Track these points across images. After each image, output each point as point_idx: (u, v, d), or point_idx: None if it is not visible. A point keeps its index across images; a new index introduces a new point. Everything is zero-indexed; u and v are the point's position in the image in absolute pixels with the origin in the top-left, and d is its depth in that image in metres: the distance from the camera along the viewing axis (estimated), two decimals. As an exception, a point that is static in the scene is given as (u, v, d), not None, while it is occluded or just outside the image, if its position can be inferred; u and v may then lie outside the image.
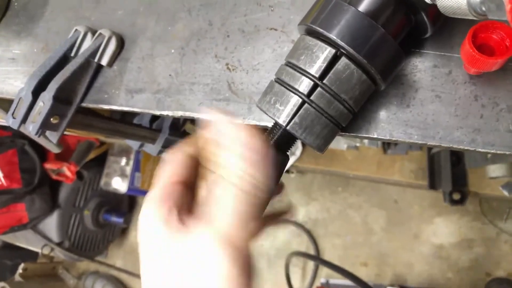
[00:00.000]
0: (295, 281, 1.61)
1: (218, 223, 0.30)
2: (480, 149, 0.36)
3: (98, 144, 1.70)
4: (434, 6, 0.33)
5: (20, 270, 1.73)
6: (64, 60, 0.55)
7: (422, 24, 0.38)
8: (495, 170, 1.11)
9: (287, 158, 0.41)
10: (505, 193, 1.16)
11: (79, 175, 1.69)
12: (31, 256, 1.90)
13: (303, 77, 0.36)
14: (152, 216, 0.32)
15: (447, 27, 0.40)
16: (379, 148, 1.30)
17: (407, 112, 0.40)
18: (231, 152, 0.31)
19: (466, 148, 0.37)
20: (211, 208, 0.31)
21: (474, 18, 0.32)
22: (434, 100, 0.39)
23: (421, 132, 0.39)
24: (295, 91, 0.36)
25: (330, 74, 0.35)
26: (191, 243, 0.30)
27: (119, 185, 1.77)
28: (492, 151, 0.36)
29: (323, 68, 0.35)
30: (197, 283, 0.29)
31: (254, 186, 0.30)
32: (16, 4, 0.65)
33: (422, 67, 0.40)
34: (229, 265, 0.29)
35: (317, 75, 0.35)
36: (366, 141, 1.30)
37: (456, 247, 1.53)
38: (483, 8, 0.29)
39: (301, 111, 0.36)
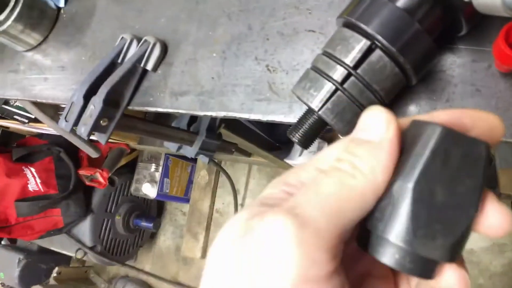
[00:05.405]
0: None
1: (295, 207, 0.23)
2: (522, 141, 0.37)
3: (129, 150, 1.75)
4: (470, 5, 0.34)
5: (54, 274, 1.79)
6: (112, 66, 0.58)
7: (457, 22, 0.39)
8: (529, 171, 1.09)
9: None
10: (540, 194, 1.14)
11: (110, 181, 1.74)
12: (63, 260, 1.96)
13: (338, 66, 0.38)
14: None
15: (485, 22, 0.41)
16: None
17: (446, 106, 0.41)
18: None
19: (508, 140, 0.38)
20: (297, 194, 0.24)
21: (509, 16, 0.33)
22: (474, 94, 0.40)
23: (461, 125, 0.40)
24: (329, 78, 0.38)
25: (363, 65, 0.37)
26: (260, 229, 0.23)
27: (149, 190, 1.81)
28: (534, 142, 0.36)
29: (357, 58, 0.37)
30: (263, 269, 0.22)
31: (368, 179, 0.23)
32: (64, 16, 0.69)
33: (460, 62, 0.41)
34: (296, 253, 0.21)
35: (351, 65, 0.37)
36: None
37: (487, 251, 1.50)
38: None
39: (334, 97, 0.38)
